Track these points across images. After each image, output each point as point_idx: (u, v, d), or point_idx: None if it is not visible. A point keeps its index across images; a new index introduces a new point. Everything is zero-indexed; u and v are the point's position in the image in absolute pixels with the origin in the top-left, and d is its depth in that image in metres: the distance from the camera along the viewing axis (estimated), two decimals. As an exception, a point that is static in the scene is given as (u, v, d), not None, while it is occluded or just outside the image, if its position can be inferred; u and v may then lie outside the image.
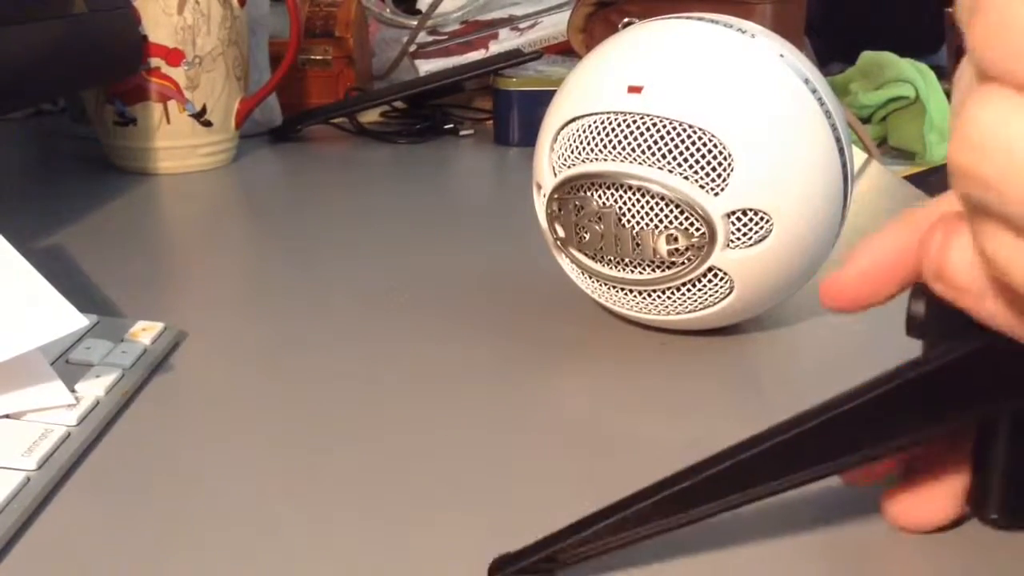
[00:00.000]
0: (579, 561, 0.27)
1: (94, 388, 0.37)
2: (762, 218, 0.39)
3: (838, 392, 0.27)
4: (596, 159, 0.40)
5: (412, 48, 1.07)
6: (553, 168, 0.43)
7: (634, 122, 0.40)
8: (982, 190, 0.20)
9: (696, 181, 0.39)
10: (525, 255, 0.55)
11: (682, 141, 0.39)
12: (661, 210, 0.39)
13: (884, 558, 0.30)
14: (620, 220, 0.40)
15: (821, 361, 0.43)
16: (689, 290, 0.41)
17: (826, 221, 0.41)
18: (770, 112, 0.39)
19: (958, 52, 0.22)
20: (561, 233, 0.43)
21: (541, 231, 0.45)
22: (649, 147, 0.39)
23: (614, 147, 0.40)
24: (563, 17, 0.96)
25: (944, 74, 1.64)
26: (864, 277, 0.28)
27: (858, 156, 0.80)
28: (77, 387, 0.37)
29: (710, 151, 0.39)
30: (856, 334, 0.45)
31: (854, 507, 0.32)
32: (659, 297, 0.42)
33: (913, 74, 1.55)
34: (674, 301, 0.42)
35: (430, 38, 1.09)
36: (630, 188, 0.40)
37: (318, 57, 0.95)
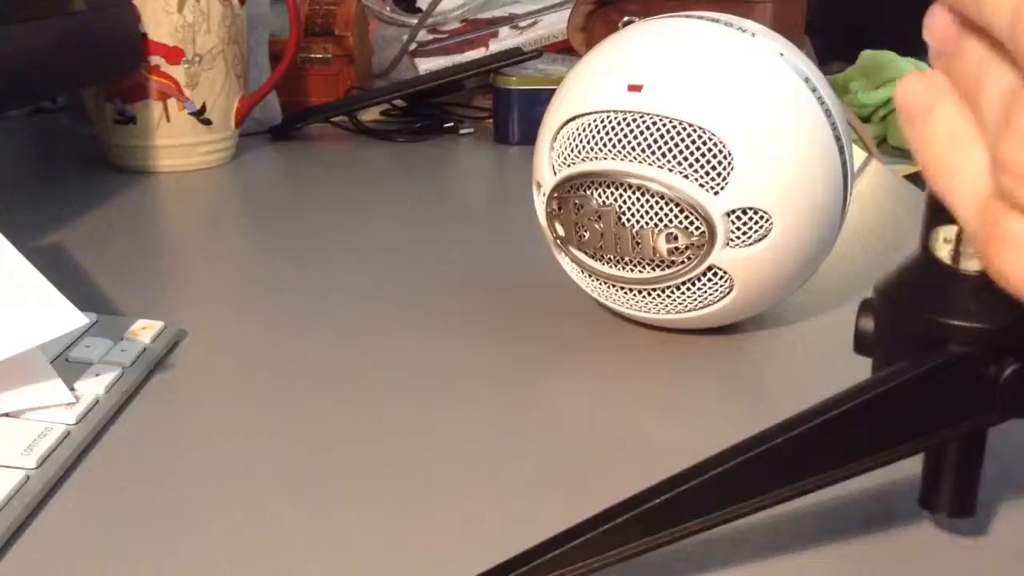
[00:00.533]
0: None
1: (94, 386, 0.37)
2: (762, 217, 0.39)
3: (837, 391, 0.27)
4: (596, 158, 0.40)
5: (412, 46, 1.07)
6: (553, 167, 0.43)
7: (634, 121, 0.40)
8: None
9: (696, 180, 0.39)
10: (525, 254, 0.55)
11: (682, 140, 0.39)
12: (661, 209, 0.39)
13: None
14: (620, 219, 0.40)
15: (821, 361, 0.43)
16: (689, 289, 0.41)
17: (826, 220, 0.41)
18: (770, 111, 0.39)
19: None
20: (561, 232, 0.43)
21: (541, 230, 0.45)
22: (649, 146, 0.39)
23: (614, 146, 0.40)
24: (563, 16, 0.96)
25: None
26: None
27: (858, 156, 0.80)
28: (77, 385, 0.37)
29: (710, 150, 0.39)
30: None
31: (820, 527, 0.32)
32: (659, 296, 0.42)
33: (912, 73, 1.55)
34: (674, 300, 0.42)
35: (430, 36, 1.09)
36: (630, 187, 0.40)
37: (318, 55, 0.95)
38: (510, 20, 1.06)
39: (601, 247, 0.41)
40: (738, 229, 0.39)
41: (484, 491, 0.33)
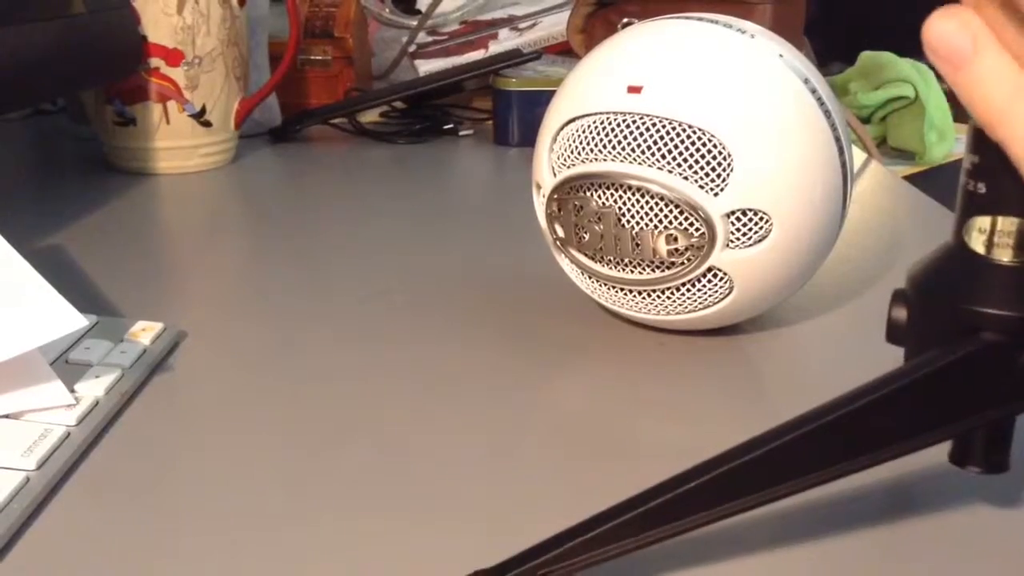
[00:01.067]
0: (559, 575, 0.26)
1: (94, 388, 0.37)
2: (762, 218, 0.39)
3: (837, 392, 0.27)
4: (596, 159, 0.40)
5: (412, 48, 1.07)
6: (553, 168, 0.43)
7: (634, 122, 0.40)
8: None
9: (696, 181, 0.39)
10: (525, 255, 0.55)
11: (682, 141, 0.39)
12: (661, 210, 0.39)
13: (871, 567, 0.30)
14: (620, 220, 0.40)
15: (821, 361, 0.43)
16: (689, 290, 0.41)
17: (826, 221, 0.41)
18: (770, 112, 0.39)
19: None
20: (561, 233, 0.43)
21: (541, 231, 0.45)
22: (649, 147, 0.39)
23: (614, 147, 0.40)
24: (562, 17, 0.96)
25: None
26: None
27: (858, 156, 0.80)
28: (76, 387, 0.37)
29: (709, 151, 0.39)
30: (856, 334, 0.45)
31: (827, 514, 0.32)
32: (659, 297, 0.42)
33: (912, 74, 1.55)
34: (674, 301, 0.42)
35: (430, 38, 1.09)
36: (630, 188, 0.40)
37: (317, 57, 0.95)
38: (509, 22, 1.06)
39: (601, 248, 0.41)
40: (738, 230, 0.39)
41: (484, 492, 0.33)
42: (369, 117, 0.92)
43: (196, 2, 0.72)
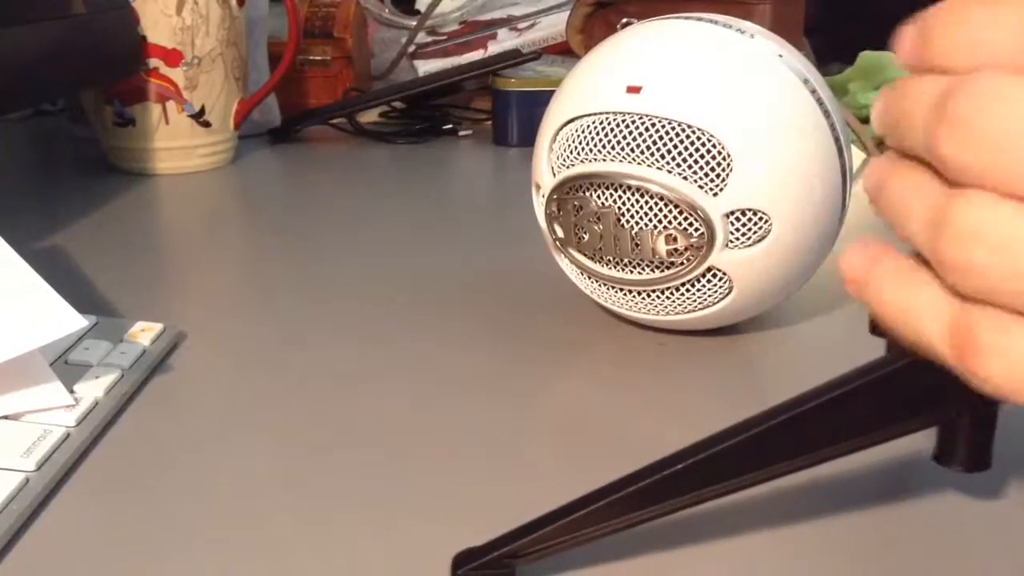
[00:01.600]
0: (540, 557, 0.27)
1: (93, 389, 0.37)
2: (761, 218, 0.39)
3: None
4: (595, 159, 0.40)
5: (411, 48, 1.07)
6: (552, 168, 0.43)
7: (633, 122, 0.40)
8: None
9: (695, 181, 0.39)
10: (524, 255, 0.55)
11: (681, 141, 0.39)
12: (660, 210, 0.39)
13: (846, 548, 0.30)
14: (619, 220, 0.40)
15: (821, 361, 0.43)
16: (688, 290, 0.41)
17: (825, 221, 0.41)
18: (769, 112, 0.39)
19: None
20: (560, 233, 0.43)
21: (540, 231, 0.45)
22: (648, 147, 0.39)
23: (613, 147, 0.40)
24: (562, 17, 0.96)
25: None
26: None
27: (858, 156, 0.80)
28: (76, 388, 0.37)
29: (709, 151, 0.39)
30: (856, 334, 0.45)
31: (803, 502, 0.32)
32: (658, 297, 0.42)
33: (912, 74, 1.55)
34: (673, 301, 0.42)
35: (429, 38, 1.09)
36: (629, 188, 0.40)
37: (317, 57, 0.95)
38: (509, 22, 1.06)
39: (600, 248, 0.41)
40: (737, 230, 0.39)
41: (484, 491, 0.33)
42: (369, 117, 0.92)
43: (195, 3, 0.72)
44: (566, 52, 0.95)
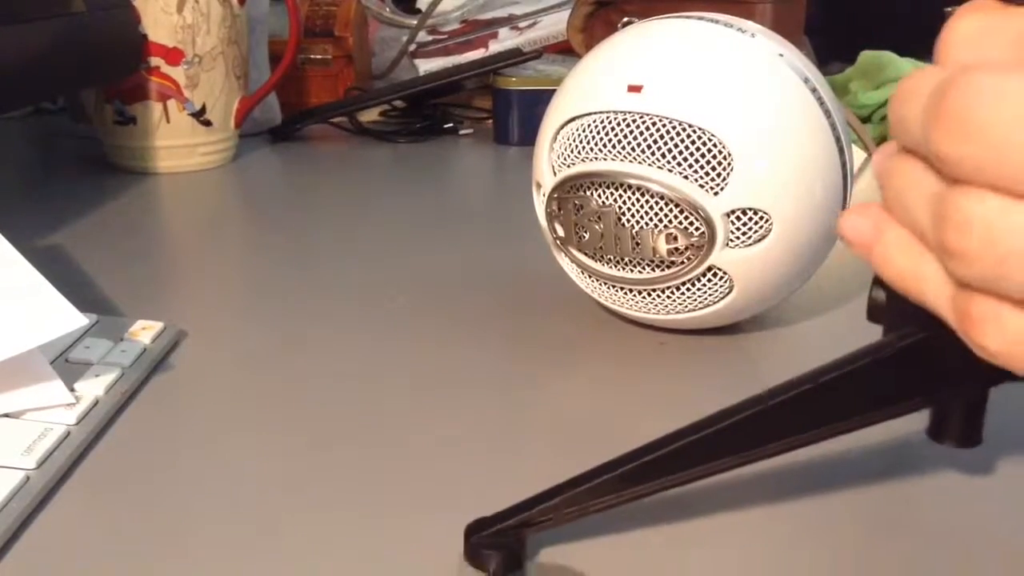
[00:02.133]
0: (549, 527, 0.28)
1: (93, 387, 0.37)
2: (762, 217, 0.39)
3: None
4: (596, 158, 0.40)
5: (412, 47, 1.07)
6: (553, 167, 0.43)
7: (634, 121, 0.40)
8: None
9: (696, 180, 0.39)
10: (525, 254, 0.55)
11: (681, 140, 0.39)
12: (661, 209, 0.39)
13: (841, 529, 0.30)
14: (620, 219, 0.40)
15: (821, 361, 0.43)
16: (689, 289, 0.41)
17: (825, 220, 0.41)
18: (770, 111, 0.39)
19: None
20: (561, 232, 0.43)
21: (541, 230, 0.45)
22: (649, 146, 0.39)
23: (614, 146, 0.40)
24: (563, 16, 0.96)
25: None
26: None
27: (858, 156, 0.80)
28: (76, 386, 0.37)
29: (709, 150, 0.39)
30: (856, 334, 0.45)
31: (809, 480, 0.32)
32: (659, 296, 0.42)
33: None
34: (674, 300, 0.42)
35: (429, 37, 1.09)
36: (630, 187, 0.40)
37: (318, 56, 0.95)
38: (510, 21, 1.06)
39: (601, 248, 0.41)
40: (738, 229, 0.39)
41: (484, 491, 0.33)
42: (369, 116, 0.92)
43: (196, 1, 0.72)
44: (567, 51, 0.95)
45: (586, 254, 0.43)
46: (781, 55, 0.41)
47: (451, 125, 0.90)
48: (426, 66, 1.03)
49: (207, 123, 0.76)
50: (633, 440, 0.31)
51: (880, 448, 0.35)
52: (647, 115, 0.39)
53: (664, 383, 0.41)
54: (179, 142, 0.75)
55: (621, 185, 0.40)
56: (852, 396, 0.27)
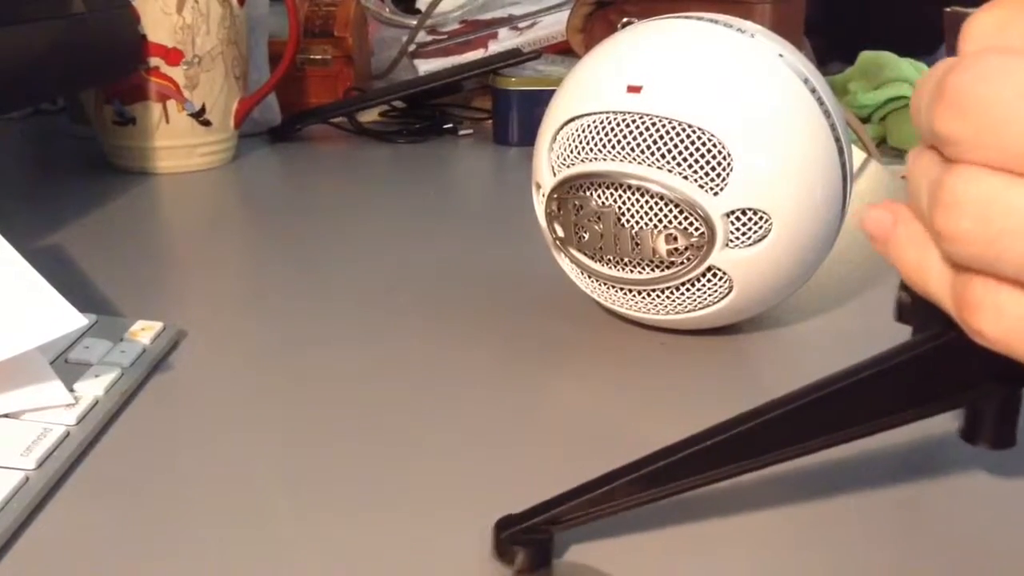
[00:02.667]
0: (576, 525, 0.29)
1: (93, 387, 0.37)
2: (761, 218, 0.39)
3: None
4: (595, 159, 0.40)
5: (411, 48, 1.07)
6: (552, 168, 0.43)
7: (633, 122, 0.40)
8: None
9: (695, 181, 0.39)
10: (525, 255, 0.55)
11: (681, 141, 0.39)
12: (660, 210, 0.39)
13: (853, 527, 0.30)
14: (619, 220, 0.40)
15: (821, 361, 0.43)
16: (688, 290, 0.41)
17: (825, 221, 0.41)
18: (770, 112, 0.39)
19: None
20: (560, 233, 0.43)
21: (540, 231, 0.45)
22: (648, 147, 0.39)
23: (613, 147, 0.40)
24: (562, 17, 0.96)
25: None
26: None
27: (858, 156, 0.80)
28: (76, 386, 0.37)
29: (709, 151, 0.39)
30: (855, 334, 0.45)
31: (827, 480, 0.32)
32: (659, 297, 0.42)
33: (912, 74, 1.55)
34: (674, 301, 0.42)
35: (429, 38, 1.09)
36: (629, 188, 0.40)
37: (317, 57, 0.95)
38: (509, 21, 1.06)
39: (600, 248, 0.41)
40: (737, 230, 0.39)
41: (484, 491, 0.33)
42: (369, 116, 0.92)
43: (196, 1, 0.72)
44: (566, 51, 0.95)
45: (586, 254, 0.43)
46: (781, 55, 0.41)
47: (451, 125, 0.90)
48: (426, 66, 1.03)
49: (207, 123, 0.76)
50: (633, 440, 0.32)
51: (911, 448, 0.35)
52: (647, 115, 0.39)
53: (664, 383, 0.41)
54: (179, 142, 0.75)
55: (621, 185, 0.40)
56: (888, 394, 0.27)
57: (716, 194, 0.39)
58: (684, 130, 0.39)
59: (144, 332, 0.42)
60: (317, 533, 0.30)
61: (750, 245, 0.40)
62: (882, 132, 1.59)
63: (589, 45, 0.82)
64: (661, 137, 0.39)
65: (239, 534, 0.30)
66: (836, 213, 0.42)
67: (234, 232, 0.62)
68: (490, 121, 0.88)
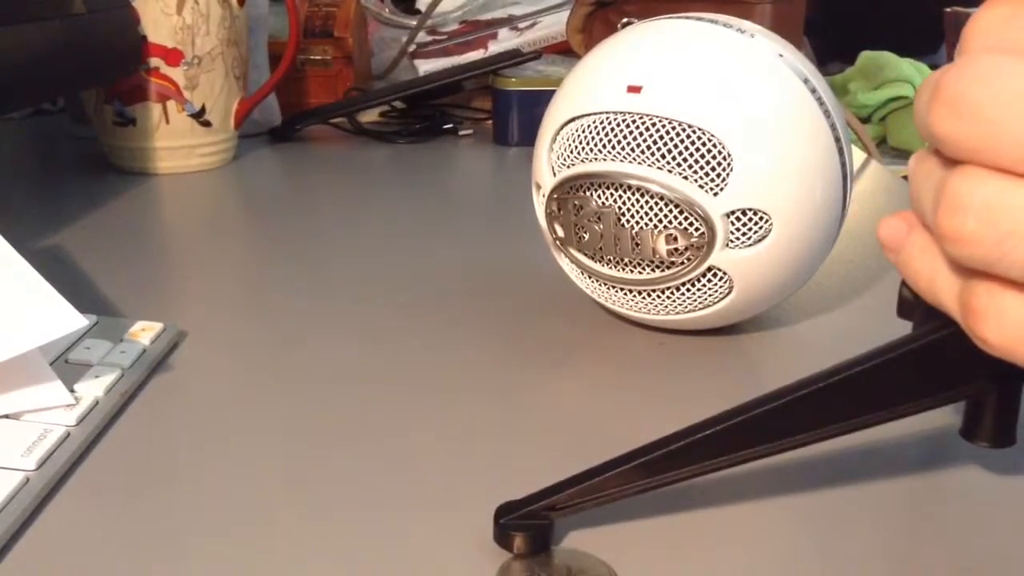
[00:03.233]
0: (577, 511, 0.29)
1: (93, 388, 0.37)
2: (761, 218, 0.39)
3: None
4: (595, 159, 0.40)
5: (411, 48, 1.07)
6: (552, 168, 0.43)
7: (633, 122, 0.40)
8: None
9: (695, 181, 0.39)
10: (524, 255, 0.55)
11: (681, 141, 0.39)
12: (660, 210, 0.39)
13: (857, 521, 0.30)
14: (619, 220, 0.40)
15: (821, 361, 0.43)
16: (689, 290, 0.41)
17: (825, 221, 0.41)
18: (769, 112, 0.39)
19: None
20: (560, 233, 0.43)
21: (540, 231, 0.45)
22: (648, 147, 0.39)
23: (613, 147, 0.40)
24: (562, 17, 0.96)
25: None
26: None
27: (858, 156, 0.80)
28: (76, 387, 0.37)
29: (709, 151, 0.39)
30: (855, 334, 0.45)
31: (826, 472, 0.32)
32: (659, 297, 0.42)
33: (912, 74, 1.55)
34: (674, 301, 0.42)
35: (429, 38, 1.09)
36: (629, 188, 0.40)
37: (317, 57, 0.95)
38: (509, 21, 1.06)
39: (601, 248, 0.41)
40: (738, 230, 0.39)
41: (484, 491, 0.33)
42: (369, 117, 0.92)
43: (196, 2, 0.72)
44: (566, 52, 0.95)
45: (586, 255, 0.43)
46: (781, 55, 0.41)
47: (451, 126, 0.90)
48: (426, 67, 1.03)
49: (207, 124, 0.76)
50: (633, 441, 0.31)
51: (911, 444, 0.35)
52: (647, 115, 0.39)
53: (664, 383, 0.41)
54: (179, 143, 0.75)
55: (621, 186, 0.40)
56: (886, 387, 0.27)
57: (716, 194, 0.39)
58: (684, 130, 0.39)
59: (144, 333, 0.42)
60: (317, 532, 0.30)
61: (750, 245, 0.40)
62: (882, 132, 1.59)
63: (589, 45, 0.83)
64: (661, 137, 0.39)
65: (239, 534, 0.30)
66: (836, 213, 0.42)
67: (234, 232, 0.62)
68: (490, 121, 0.88)
